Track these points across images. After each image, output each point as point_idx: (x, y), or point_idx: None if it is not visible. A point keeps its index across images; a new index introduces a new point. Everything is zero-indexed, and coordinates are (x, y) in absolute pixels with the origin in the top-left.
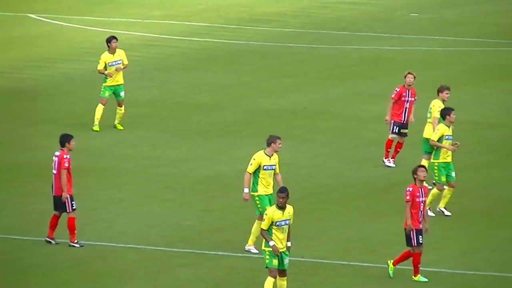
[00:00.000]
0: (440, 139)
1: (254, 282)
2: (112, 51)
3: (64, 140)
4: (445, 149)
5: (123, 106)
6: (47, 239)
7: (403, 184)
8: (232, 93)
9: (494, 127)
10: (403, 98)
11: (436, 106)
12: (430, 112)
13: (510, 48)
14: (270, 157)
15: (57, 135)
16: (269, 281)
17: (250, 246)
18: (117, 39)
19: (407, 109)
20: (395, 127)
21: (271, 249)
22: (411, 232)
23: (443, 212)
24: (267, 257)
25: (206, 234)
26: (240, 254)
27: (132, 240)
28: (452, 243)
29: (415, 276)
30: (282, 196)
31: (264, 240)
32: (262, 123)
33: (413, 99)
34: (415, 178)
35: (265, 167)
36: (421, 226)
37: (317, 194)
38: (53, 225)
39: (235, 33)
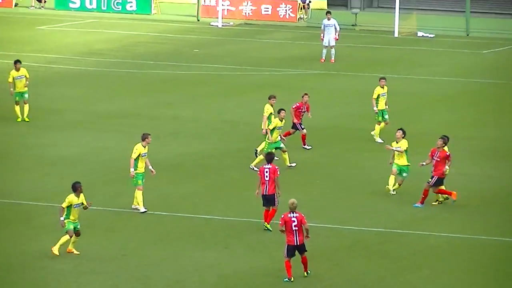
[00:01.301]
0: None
1: None
2: None
3: None
4: (276, 135)
5: None
6: None
7: None
8: None
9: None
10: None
11: (265, 108)
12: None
13: None
14: (145, 147)
15: None
16: (65, 239)
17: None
18: None
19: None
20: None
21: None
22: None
23: None
24: (66, 225)
25: None
26: None
27: None
28: None
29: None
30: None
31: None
32: None
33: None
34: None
35: (142, 155)
36: None
37: None
38: None
39: None
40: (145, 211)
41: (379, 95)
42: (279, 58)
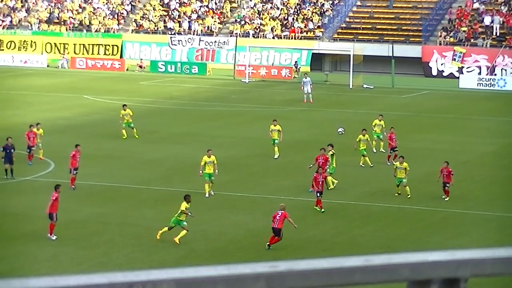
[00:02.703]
0: None
1: None
2: None
3: None
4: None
5: None
6: None
7: None
8: None
9: None
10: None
11: (272, 127)
12: None
13: None
14: (209, 157)
15: None
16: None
17: None
18: None
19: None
20: None
21: None
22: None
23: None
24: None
25: None
26: None
27: None
28: None
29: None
30: None
31: None
32: None
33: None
34: None
35: (208, 162)
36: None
37: None
38: None
39: None
40: (208, 196)
41: (375, 124)
42: (282, 100)
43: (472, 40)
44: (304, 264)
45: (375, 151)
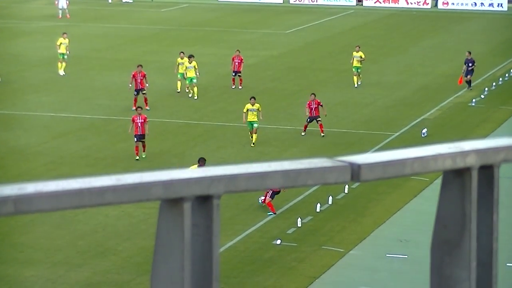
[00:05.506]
0: None
1: None
2: None
3: None
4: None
5: None
6: None
7: None
8: None
9: None
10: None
11: None
12: None
13: None
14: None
15: None
16: None
17: None
18: None
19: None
20: None
21: None
22: None
23: None
24: None
25: None
26: None
27: None
28: None
29: None
30: None
31: None
32: None
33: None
34: None
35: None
36: None
37: None
38: None
39: None
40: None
41: (61, 43)
42: (37, 15)
43: None
44: (53, 185)
45: (63, 73)
